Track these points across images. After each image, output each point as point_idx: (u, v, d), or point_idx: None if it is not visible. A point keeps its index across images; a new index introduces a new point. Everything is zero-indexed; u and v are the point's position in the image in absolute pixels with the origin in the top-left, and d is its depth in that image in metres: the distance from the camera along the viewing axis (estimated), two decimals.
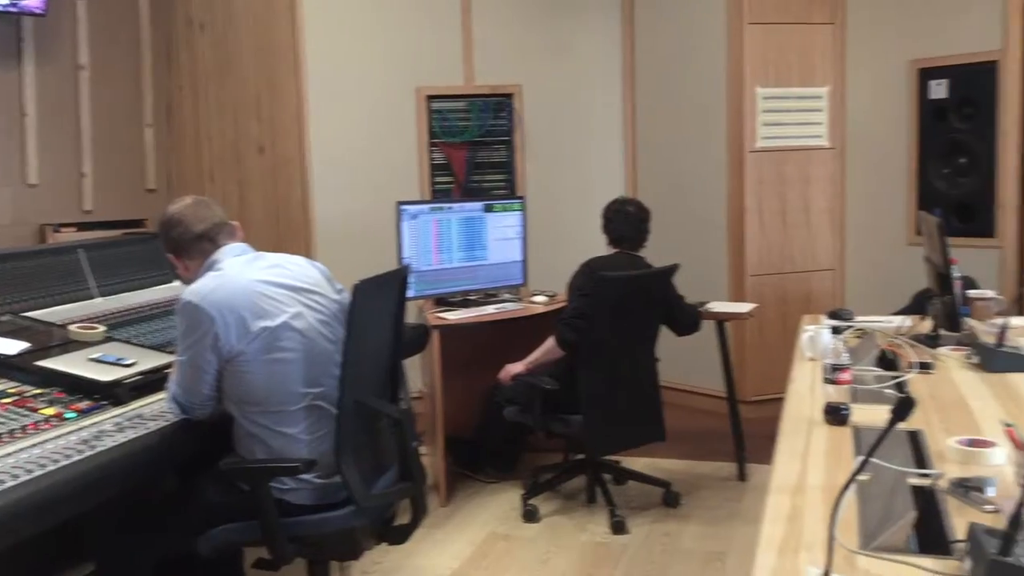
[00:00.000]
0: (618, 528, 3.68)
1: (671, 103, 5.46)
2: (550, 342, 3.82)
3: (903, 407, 1.37)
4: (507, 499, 4.03)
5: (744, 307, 4.49)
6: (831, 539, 1.34)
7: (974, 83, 4.71)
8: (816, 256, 5.32)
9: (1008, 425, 1.75)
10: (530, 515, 3.82)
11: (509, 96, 5.43)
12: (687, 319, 4.07)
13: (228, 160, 5.40)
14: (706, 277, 5.13)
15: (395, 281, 2.68)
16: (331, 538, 2.48)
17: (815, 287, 5.31)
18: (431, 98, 5.33)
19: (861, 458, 1.88)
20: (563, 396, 3.69)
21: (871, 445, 1.39)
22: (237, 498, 2.42)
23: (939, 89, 4.84)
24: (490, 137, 5.41)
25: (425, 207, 4.36)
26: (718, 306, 4.40)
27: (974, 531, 1.43)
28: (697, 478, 4.28)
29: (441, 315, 4.15)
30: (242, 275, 2.45)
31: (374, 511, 2.51)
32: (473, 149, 5.39)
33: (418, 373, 4.53)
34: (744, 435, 4.33)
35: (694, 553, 3.50)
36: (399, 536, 2.67)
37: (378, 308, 2.58)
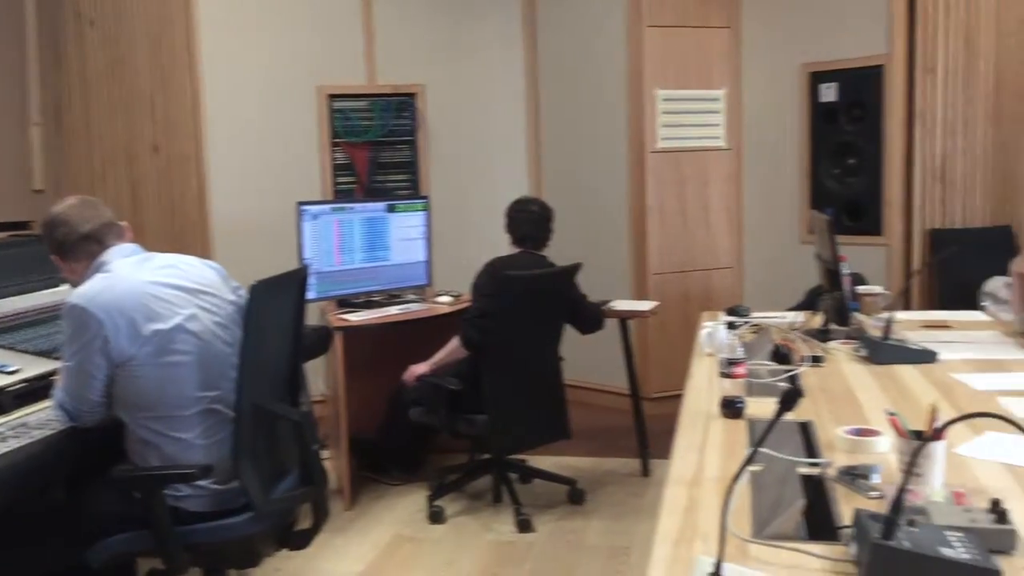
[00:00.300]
0: (524, 527, 3.69)
1: (573, 103, 5.52)
2: (454, 342, 3.81)
3: (789, 398, 1.41)
4: (413, 501, 4.01)
5: (646, 305, 4.56)
6: (723, 529, 1.37)
7: (861, 86, 4.89)
8: (715, 254, 5.44)
9: (892, 414, 1.81)
10: (436, 516, 3.81)
11: (412, 96, 5.40)
12: (590, 317, 4.11)
13: (121, 160, 5.22)
14: (609, 276, 5.20)
15: (294, 282, 2.63)
16: (229, 546, 2.42)
17: (715, 285, 5.43)
18: (333, 97, 5.27)
19: (758, 449, 1.93)
20: (468, 396, 3.69)
21: (761, 436, 1.42)
22: (129, 507, 2.34)
23: (829, 92, 5.01)
24: (393, 137, 5.38)
25: (326, 207, 4.30)
26: (621, 304, 4.46)
27: (859, 516, 1.48)
28: (602, 475, 4.33)
29: (344, 317, 4.09)
30: (132, 276, 2.37)
31: (274, 516, 2.46)
32: (376, 149, 5.34)
33: (321, 376, 4.46)
34: (647, 431, 4.40)
35: (599, 549, 3.54)
36: (300, 541, 2.62)
37: (277, 309, 2.53)
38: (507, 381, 3.70)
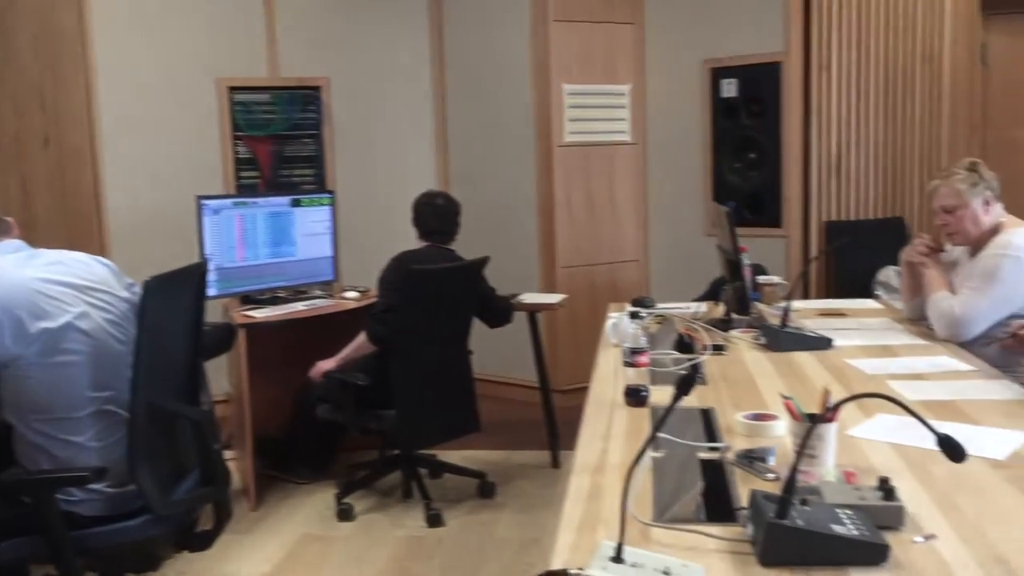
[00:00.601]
0: (434, 521, 3.68)
1: (480, 97, 5.51)
2: (361, 338, 3.77)
3: (684, 384, 1.43)
4: (321, 499, 3.95)
5: (554, 298, 4.59)
6: (623, 513, 1.38)
7: (760, 83, 5.02)
8: (622, 247, 5.51)
9: (787, 398, 1.86)
10: (345, 514, 3.76)
11: (316, 89, 5.32)
12: (499, 311, 4.12)
13: (9, 154, 5.00)
14: (518, 269, 5.21)
15: (192, 278, 2.56)
16: (126, 549, 2.34)
17: (622, 277, 5.50)
18: (233, 90, 5.15)
19: (657, 435, 1.96)
20: (376, 392, 3.65)
21: (659, 421, 1.44)
22: (20, 512, 2.24)
23: (730, 88, 5.13)
24: (298, 131, 5.29)
25: (227, 201, 4.19)
26: (529, 297, 4.48)
27: (755, 497, 1.51)
28: (512, 467, 4.34)
29: (248, 313, 4.01)
30: (17, 273, 2.27)
31: (174, 519, 2.39)
32: (280, 143, 5.25)
33: (225, 374, 4.36)
34: (557, 423, 4.43)
35: (509, 541, 3.55)
36: (202, 543, 2.56)
37: (174, 306, 2.46)
38: (415, 376, 3.68)
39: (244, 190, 5.10)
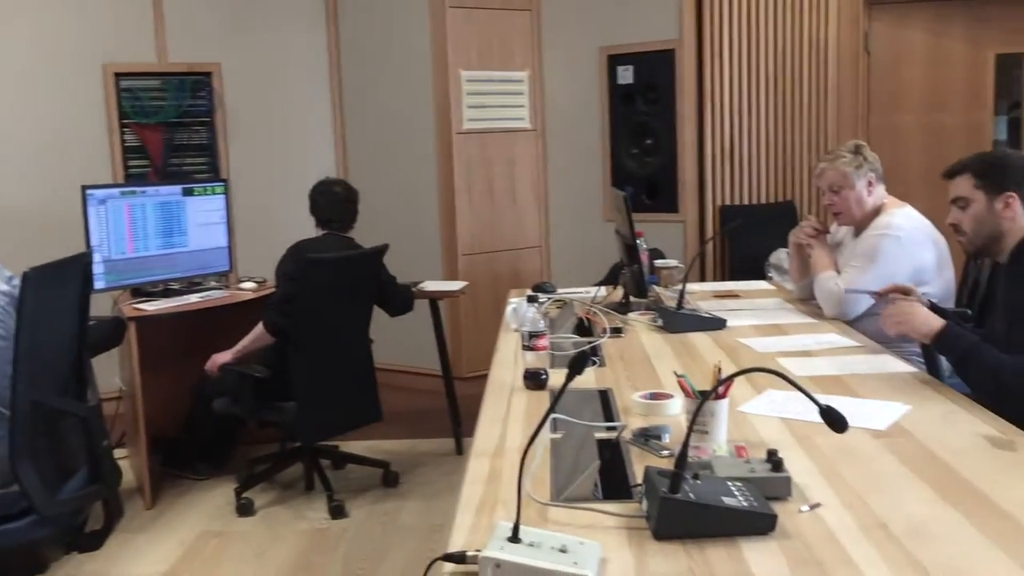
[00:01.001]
0: (337, 512, 3.63)
1: (378, 84, 5.45)
2: (259, 329, 3.69)
3: (577, 363, 1.44)
4: (221, 495, 3.86)
5: (455, 285, 4.58)
6: (519, 492, 1.39)
7: (655, 69, 5.10)
8: (524, 234, 5.54)
9: (680, 376, 1.90)
10: (245, 509, 3.68)
11: (207, 75, 5.17)
12: (400, 299, 4.09)
13: None
14: (419, 257, 5.18)
15: (75, 269, 2.47)
16: (10, 553, 2.25)
17: (524, 264, 5.53)
18: (120, 76, 4.96)
19: (553, 416, 1.98)
20: (275, 383, 3.58)
21: (553, 401, 1.45)
22: None
23: (626, 74, 5.19)
24: (189, 118, 5.13)
25: (115, 191, 4.04)
26: (430, 285, 4.46)
27: (649, 474, 1.54)
28: (416, 456, 4.33)
29: (139, 306, 3.88)
30: None
31: (61, 519, 2.31)
32: (170, 131, 5.08)
33: (117, 370, 4.22)
34: (461, 410, 4.43)
35: (414, 529, 3.54)
36: (92, 543, 2.48)
37: (56, 299, 2.36)
38: (315, 366, 3.63)
39: (134, 179, 4.92)
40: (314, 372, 3.62)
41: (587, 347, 1.89)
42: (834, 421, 1.50)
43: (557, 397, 1.47)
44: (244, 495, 3.72)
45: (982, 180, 2.33)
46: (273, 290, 3.88)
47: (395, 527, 3.56)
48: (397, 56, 5.36)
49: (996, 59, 5.32)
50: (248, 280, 4.29)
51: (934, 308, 2.59)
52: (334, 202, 3.90)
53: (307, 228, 3.97)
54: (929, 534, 1.40)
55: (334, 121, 5.61)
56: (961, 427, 1.91)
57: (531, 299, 2.54)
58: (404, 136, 5.38)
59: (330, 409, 3.71)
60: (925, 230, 3.07)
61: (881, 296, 2.63)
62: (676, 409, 2.07)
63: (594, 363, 2.59)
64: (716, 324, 2.99)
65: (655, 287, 3.61)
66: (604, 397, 2.25)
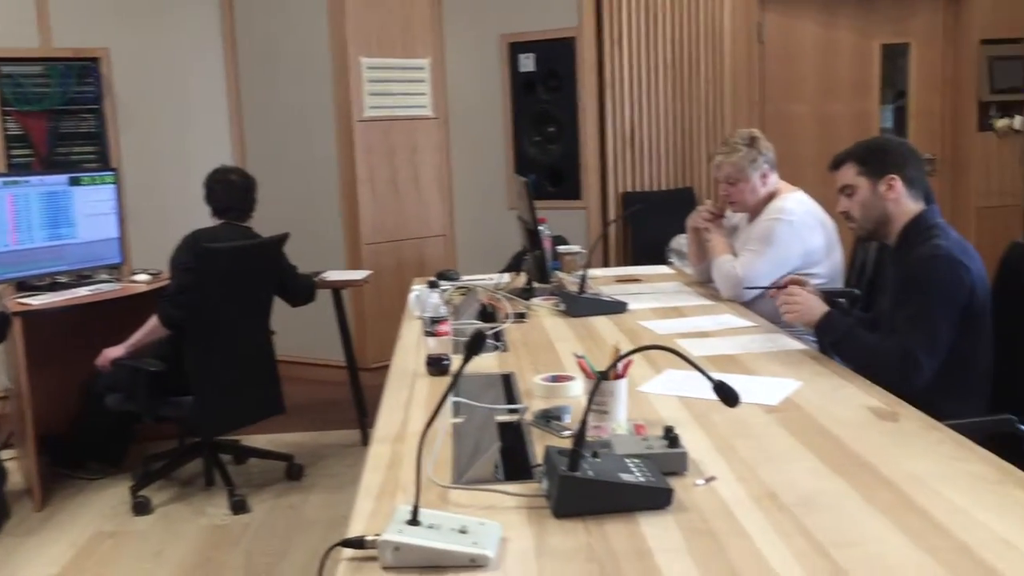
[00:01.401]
0: (239, 507, 3.56)
1: (276, 71, 5.33)
2: (152, 322, 3.57)
3: (474, 344, 1.44)
4: (115, 494, 3.73)
5: (359, 274, 4.53)
6: (418, 476, 1.38)
7: (556, 57, 5.13)
8: (427, 223, 5.51)
9: (580, 357, 1.91)
10: (141, 507, 3.57)
11: (94, 61, 4.97)
12: (301, 289, 4.02)
13: None
14: (321, 247, 5.10)
15: None
16: None
17: (428, 253, 5.50)
18: (1, 61, 4.73)
19: (455, 400, 1.97)
20: (172, 377, 3.48)
21: (452, 382, 1.44)
22: None
23: (527, 62, 5.21)
24: (75, 105, 4.93)
25: None
26: (333, 275, 4.40)
27: (548, 453, 1.55)
28: (321, 448, 4.27)
29: (24, 300, 3.71)
30: None
31: None
32: (55, 118, 4.87)
33: (3, 367, 4.03)
34: (366, 401, 4.38)
35: (319, 521, 3.49)
36: None
37: None
38: (213, 359, 3.54)
39: (17, 169, 4.71)
40: (212, 365, 3.53)
41: (485, 328, 1.88)
42: (726, 396, 1.53)
43: (455, 378, 1.46)
44: (140, 493, 3.60)
45: (864, 166, 2.42)
46: (168, 282, 3.76)
47: (299, 520, 3.51)
48: (295, 41, 5.25)
49: (882, 49, 5.53)
50: (142, 272, 4.15)
51: (826, 293, 2.68)
52: (231, 190, 3.80)
53: (203, 218, 3.85)
54: (817, 503, 1.45)
55: (230, 108, 5.47)
56: (848, 401, 1.98)
57: (432, 284, 2.52)
58: (304, 124, 5.28)
59: (229, 402, 3.63)
60: (816, 214, 3.17)
61: (778, 290, 2.69)
62: (577, 391, 2.08)
63: (497, 348, 2.59)
64: (617, 308, 3.02)
65: (558, 273, 3.62)
66: (507, 381, 2.26)
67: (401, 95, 5.30)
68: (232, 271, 3.56)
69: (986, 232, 5.46)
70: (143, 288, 4.00)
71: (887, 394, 2.01)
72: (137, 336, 3.60)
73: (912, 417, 1.86)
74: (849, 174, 2.45)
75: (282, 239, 3.78)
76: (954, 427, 1.79)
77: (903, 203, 2.38)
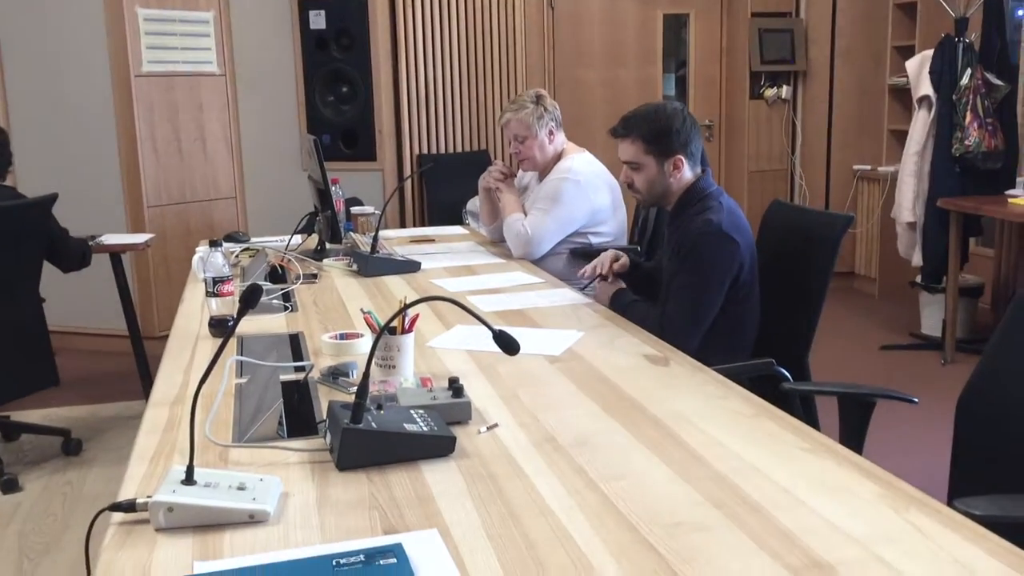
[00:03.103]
0: (9, 487, 3.32)
1: (44, 20, 4.91)
2: None
3: (249, 296, 1.40)
4: None
5: (140, 238, 4.28)
6: (191, 433, 1.33)
7: (348, 15, 5.03)
8: (217, 184, 5.28)
9: (366, 312, 1.91)
10: None
11: None
12: (71, 254, 3.75)
13: None
14: (99, 209, 4.80)
15: None
16: None
17: (218, 215, 5.28)
18: None
19: (238, 359, 1.92)
20: None
21: (226, 335, 1.40)
22: None
23: (318, 19, 5.07)
24: None
25: None
26: (111, 238, 4.14)
27: (332, 407, 1.54)
28: (101, 421, 4.04)
29: None
30: None
31: None
32: None
33: None
34: (152, 371, 4.17)
35: (100, 497, 3.31)
36: None
37: None
38: None
39: None
40: None
41: (259, 282, 1.82)
42: (506, 344, 1.57)
43: (231, 330, 1.42)
44: None
45: (651, 146, 2.47)
46: None
47: (78, 497, 3.31)
48: None
49: (664, 19, 5.78)
50: None
51: (632, 261, 2.79)
52: None
53: None
54: (592, 443, 1.52)
55: None
56: (626, 349, 2.08)
57: (214, 244, 2.43)
58: (75, 78, 4.90)
59: None
60: (602, 175, 3.29)
61: (599, 276, 2.75)
62: (365, 348, 2.08)
63: (287, 309, 2.54)
64: (410, 267, 3.03)
65: (351, 234, 3.59)
66: (294, 341, 2.22)
67: (183, 49, 5.02)
68: None
69: (756, 194, 5.87)
70: None
71: (660, 342, 2.13)
72: None
73: (682, 362, 1.98)
74: (635, 151, 2.48)
75: (49, 200, 3.52)
76: (720, 371, 1.92)
77: (684, 177, 2.49)
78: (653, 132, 2.46)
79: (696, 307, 2.39)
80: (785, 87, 5.93)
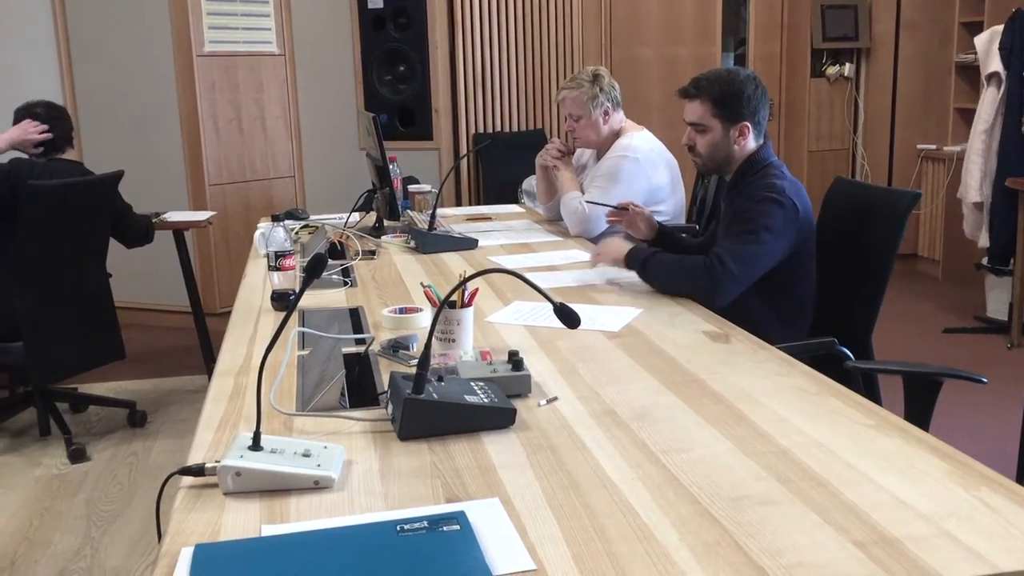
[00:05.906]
0: (77, 456, 3.41)
1: (107, 5, 5.00)
2: None
3: (315, 265, 1.41)
4: None
5: (202, 215, 4.36)
6: (259, 400, 1.36)
7: None
8: (276, 163, 5.35)
9: (426, 287, 1.92)
10: None
11: None
12: (135, 230, 3.83)
13: None
14: (162, 187, 4.89)
15: None
16: None
17: (277, 194, 5.36)
18: None
19: (298, 330, 1.95)
20: None
21: (292, 304, 1.42)
22: None
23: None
24: None
25: None
26: (174, 216, 4.23)
27: (394, 379, 1.55)
28: (165, 394, 4.13)
29: None
30: None
31: None
32: None
33: None
34: (215, 346, 4.26)
35: (164, 467, 3.39)
36: None
37: None
38: (44, 303, 3.35)
39: None
40: (42, 308, 3.34)
41: (323, 250, 1.84)
42: (567, 316, 1.57)
43: (295, 300, 1.44)
44: None
45: (720, 110, 2.41)
46: None
47: (143, 467, 3.40)
48: None
49: None
50: None
51: (663, 229, 2.76)
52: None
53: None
54: (653, 417, 1.51)
55: (58, 42, 5.11)
56: (686, 326, 2.07)
57: (276, 219, 2.47)
58: (140, 59, 4.99)
59: (63, 348, 3.45)
60: (660, 153, 3.26)
61: (618, 210, 2.77)
62: (425, 322, 2.09)
63: (346, 284, 2.57)
64: (468, 244, 3.04)
65: (409, 212, 3.61)
66: (355, 315, 2.24)
67: (244, 30, 5.09)
68: (61, 209, 3.36)
69: (816, 174, 5.77)
70: None
71: (721, 319, 2.11)
72: None
73: (743, 339, 1.96)
74: (703, 112, 2.42)
75: (116, 177, 3.60)
76: (781, 349, 1.90)
77: (747, 145, 2.44)
78: (724, 95, 2.40)
79: (750, 257, 2.28)
80: (848, 65, 5.81)
